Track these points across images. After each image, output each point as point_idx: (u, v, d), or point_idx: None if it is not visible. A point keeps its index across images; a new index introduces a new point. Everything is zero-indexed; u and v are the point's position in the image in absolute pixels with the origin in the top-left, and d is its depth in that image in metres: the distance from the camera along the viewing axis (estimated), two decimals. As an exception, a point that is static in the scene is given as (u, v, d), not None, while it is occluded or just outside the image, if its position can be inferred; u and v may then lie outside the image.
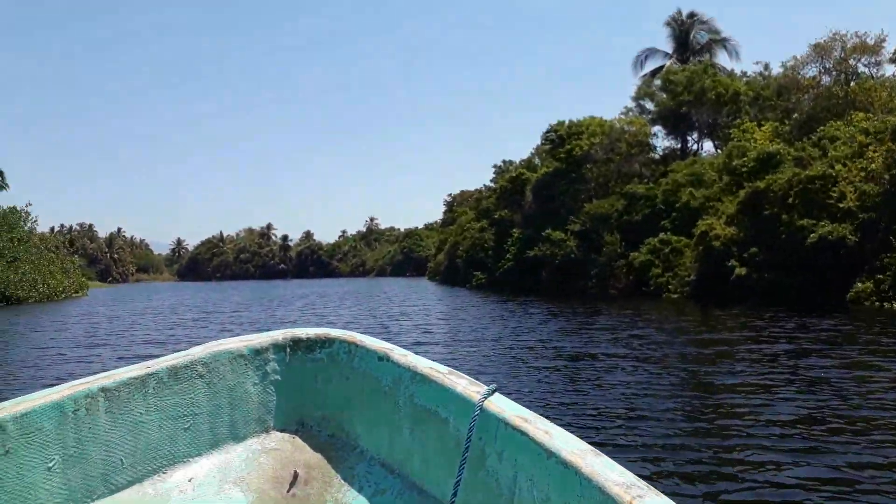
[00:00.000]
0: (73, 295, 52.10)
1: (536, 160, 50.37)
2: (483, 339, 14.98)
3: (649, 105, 40.08)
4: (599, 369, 10.15)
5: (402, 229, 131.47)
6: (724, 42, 43.64)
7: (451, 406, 1.74)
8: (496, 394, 1.67)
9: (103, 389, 1.72)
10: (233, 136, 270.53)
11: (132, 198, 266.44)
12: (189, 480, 1.84)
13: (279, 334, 2.12)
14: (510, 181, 44.42)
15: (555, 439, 1.46)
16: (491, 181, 58.62)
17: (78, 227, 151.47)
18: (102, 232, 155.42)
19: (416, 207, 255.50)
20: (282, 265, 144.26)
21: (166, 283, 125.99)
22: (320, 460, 1.99)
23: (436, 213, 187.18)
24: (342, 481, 1.93)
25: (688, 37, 44.36)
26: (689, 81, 34.51)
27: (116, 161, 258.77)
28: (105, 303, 40.36)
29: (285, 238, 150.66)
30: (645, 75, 45.44)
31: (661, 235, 29.48)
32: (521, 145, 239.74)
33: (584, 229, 33.82)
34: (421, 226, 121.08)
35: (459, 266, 51.20)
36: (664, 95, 37.38)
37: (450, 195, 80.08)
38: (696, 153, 38.22)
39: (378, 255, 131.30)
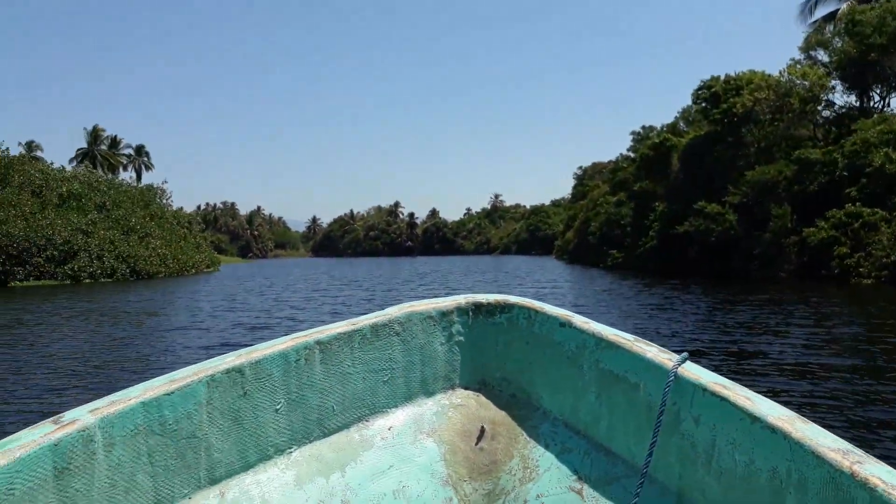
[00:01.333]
0: (205, 270, 52.96)
1: (682, 124, 44.99)
2: (635, 330, 11.40)
3: (822, 56, 33.95)
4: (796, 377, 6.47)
5: (528, 206, 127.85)
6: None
7: (641, 372, 1.74)
8: (688, 361, 1.67)
9: (318, 342, 1.86)
10: (362, 117, 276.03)
11: (272, 177, 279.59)
12: (389, 429, 1.97)
13: (462, 299, 2.18)
14: (652, 148, 39.54)
15: (758, 405, 1.46)
16: (628, 150, 53.55)
17: (221, 206, 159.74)
18: (244, 210, 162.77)
19: (543, 183, 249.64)
20: (409, 242, 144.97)
21: (300, 259, 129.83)
22: (505, 417, 2.06)
23: (564, 189, 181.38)
24: (528, 438, 1.99)
25: (871, -27, 37.19)
26: (881, 21, 28.27)
27: (259, 143, 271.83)
28: (232, 278, 40.06)
29: (412, 216, 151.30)
30: (815, 22, 38.79)
31: (849, 207, 24.09)
32: (662, 110, 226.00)
33: (746, 201, 28.75)
34: (548, 202, 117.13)
35: (592, 244, 46.95)
36: (843, 41, 31.20)
37: (580, 168, 75.22)
38: (880, 111, 31.77)
39: (503, 232, 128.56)
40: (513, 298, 2.18)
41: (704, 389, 1.56)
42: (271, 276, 43.49)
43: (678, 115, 45.97)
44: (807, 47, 34.62)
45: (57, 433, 1.35)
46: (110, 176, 76.91)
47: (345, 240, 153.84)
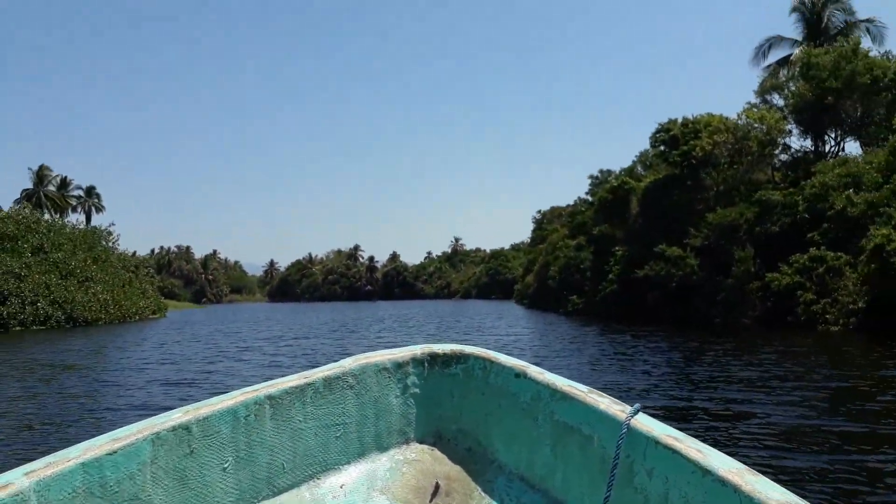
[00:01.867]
0: (151, 316, 50.49)
1: (639, 168, 44.87)
2: (596, 382, 10.16)
3: (777, 100, 34.16)
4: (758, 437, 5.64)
5: (488, 250, 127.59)
6: (866, 24, 36.94)
7: (595, 423, 1.74)
8: (640, 413, 1.67)
9: (269, 397, 1.81)
10: (320, 159, 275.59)
11: (229, 221, 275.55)
12: (341, 487, 1.92)
13: (418, 349, 2.17)
14: (611, 192, 39.09)
15: (709, 458, 1.45)
16: (587, 193, 53.32)
17: (175, 249, 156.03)
18: (199, 254, 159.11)
19: (503, 227, 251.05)
20: (368, 286, 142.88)
21: (256, 304, 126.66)
22: (460, 472, 2.02)
23: (524, 233, 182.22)
24: (482, 494, 1.94)
25: (820, 20, 37.93)
26: (836, 65, 28.42)
27: (215, 185, 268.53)
28: (173, 326, 37.88)
29: (371, 259, 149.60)
30: (769, 66, 39.34)
31: (812, 251, 23.56)
32: (620, 153, 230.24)
33: (707, 244, 28.16)
34: (508, 246, 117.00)
35: (551, 288, 46.06)
36: (798, 85, 31.35)
37: (539, 211, 74.88)
38: (835, 155, 31.85)
39: (463, 276, 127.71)
40: (468, 349, 2.17)
41: (657, 442, 1.56)
42: (215, 323, 41.40)
43: (636, 159, 45.92)
44: (762, 91, 34.82)
45: None
46: (57, 217, 74.10)
47: (303, 284, 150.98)
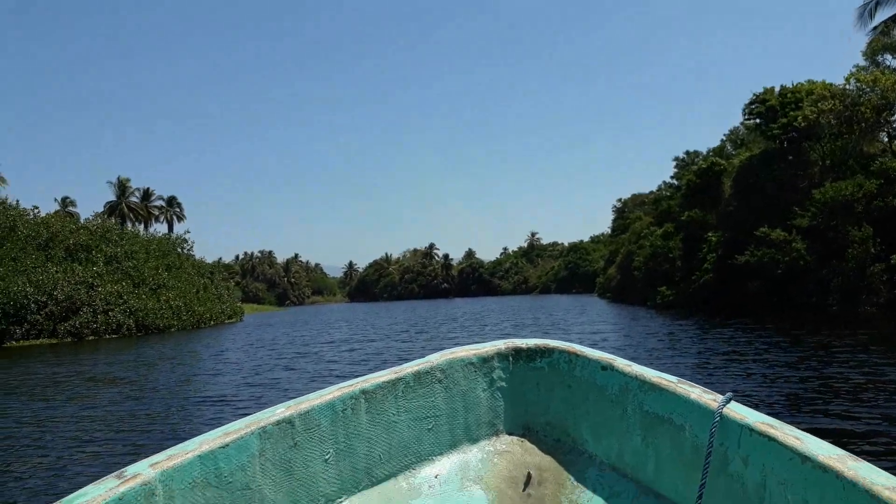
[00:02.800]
0: (227, 321, 50.43)
1: (729, 147, 41.23)
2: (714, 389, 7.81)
3: (891, 61, 30.14)
4: None
5: (566, 244, 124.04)
6: None
7: (686, 413, 1.73)
8: (732, 402, 1.66)
9: (364, 391, 1.87)
10: (396, 159, 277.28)
11: (310, 225, 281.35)
12: (435, 477, 1.97)
13: (502, 344, 2.19)
14: (699, 174, 35.81)
15: (808, 444, 1.44)
16: (672, 178, 49.72)
17: (259, 254, 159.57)
18: (281, 258, 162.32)
19: (580, 219, 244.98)
20: (444, 284, 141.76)
21: (336, 305, 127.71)
22: (551, 462, 2.05)
23: (603, 224, 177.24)
24: (575, 483, 1.96)
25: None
26: (965, 13, 24.46)
27: (296, 190, 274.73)
28: (246, 330, 37.22)
29: (447, 257, 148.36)
30: (877, 27, 35.05)
31: (951, 226, 20.04)
32: (705, 134, 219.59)
33: (816, 224, 24.80)
34: (587, 238, 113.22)
35: (637, 280, 42.98)
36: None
37: (619, 200, 71.17)
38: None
39: (541, 271, 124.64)
40: (552, 342, 2.19)
41: (751, 430, 1.55)
42: (292, 325, 40.57)
43: (724, 138, 42.30)
44: (871, 52, 30.81)
45: (121, 488, 1.38)
46: (140, 227, 76.19)
47: (380, 284, 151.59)
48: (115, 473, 1.43)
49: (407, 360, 2.12)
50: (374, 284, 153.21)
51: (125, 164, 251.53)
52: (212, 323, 45.47)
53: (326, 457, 1.78)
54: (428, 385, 2.00)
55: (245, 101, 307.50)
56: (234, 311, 54.19)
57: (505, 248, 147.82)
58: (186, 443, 1.58)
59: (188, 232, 76.34)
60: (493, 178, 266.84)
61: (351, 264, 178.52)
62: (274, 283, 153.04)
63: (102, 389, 13.33)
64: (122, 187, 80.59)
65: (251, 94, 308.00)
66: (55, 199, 74.62)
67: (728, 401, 1.64)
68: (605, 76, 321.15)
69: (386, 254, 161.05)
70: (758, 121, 30.12)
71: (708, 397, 1.70)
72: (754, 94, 30.04)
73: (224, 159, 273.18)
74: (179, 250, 51.01)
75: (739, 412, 1.61)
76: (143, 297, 37.78)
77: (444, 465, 1.99)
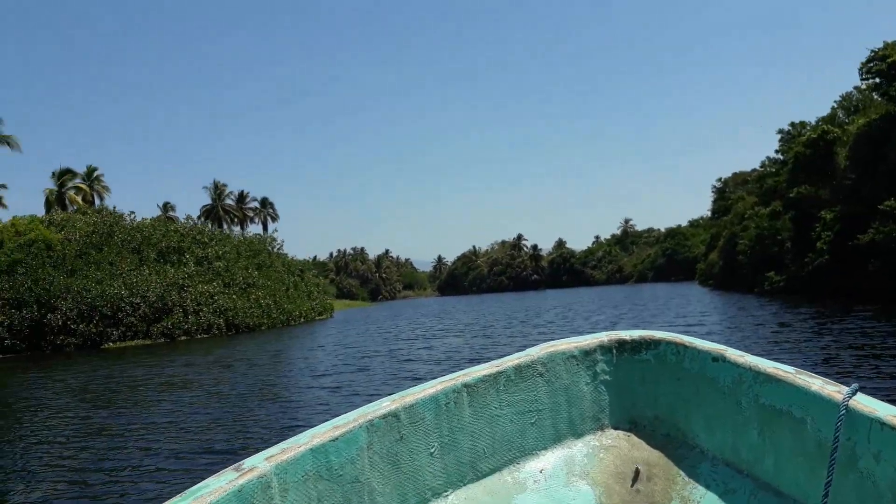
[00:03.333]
0: (318, 318, 50.79)
1: (841, 114, 37.36)
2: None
3: None
4: None
5: (663, 229, 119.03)
6: None
7: (807, 406, 1.65)
8: (859, 393, 1.57)
9: (465, 385, 1.86)
10: (482, 150, 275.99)
11: (399, 221, 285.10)
12: (540, 471, 1.94)
13: (604, 336, 2.14)
14: (809, 145, 32.50)
15: None
16: (776, 152, 45.88)
17: (351, 251, 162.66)
18: (373, 254, 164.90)
19: (677, 203, 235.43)
20: (535, 276, 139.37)
21: (425, 299, 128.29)
22: (660, 458, 2.00)
23: (701, 207, 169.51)
24: (687, 479, 1.91)
25: None
26: None
27: (385, 187, 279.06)
28: (334, 327, 37.03)
29: (535, 248, 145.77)
30: None
31: None
32: (811, 104, 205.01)
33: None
34: (684, 223, 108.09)
35: (741, 265, 39.84)
36: None
37: (720, 179, 66.75)
38: None
39: (636, 259, 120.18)
40: (658, 334, 2.13)
41: (883, 423, 1.47)
42: (377, 321, 40.14)
43: (836, 104, 38.37)
44: None
45: (239, 480, 1.41)
46: (237, 229, 78.72)
47: (469, 277, 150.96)
48: (234, 466, 1.46)
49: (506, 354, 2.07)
50: (463, 278, 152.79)
51: (223, 169, 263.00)
52: (301, 320, 45.77)
53: (431, 450, 1.78)
54: (529, 378, 1.98)
55: (338, 100, 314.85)
56: (325, 307, 54.60)
57: (597, 237, 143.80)
58: (298, 436, 1.60)
59: (276, 231, 78.06)
60: (582, 162, 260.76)
61: (440, 258, 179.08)
62: (366, 278, 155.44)
63: (202, 387, 13.78)
64: (218, 191, 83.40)
65: (343, 93, 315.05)
66: (157, 205, 78.26)
67: (854, 392, 1.54)
68: (701, 46, 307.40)
69: (473, 247, 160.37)
70: (877, 80, 26.77)
71: (831, 388, 1.60)
72: (872, 51, 26.71)
73: (318, 161, 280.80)
74: (269, 249, 51.81)
75: (868, 404, 1.51)
76: (233, 296, 38.25)
77: (548, 460, 1.97)
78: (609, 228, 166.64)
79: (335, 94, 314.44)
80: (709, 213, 74.70)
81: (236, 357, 20.72)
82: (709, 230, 66.92)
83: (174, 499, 1.34)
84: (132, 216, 43.55)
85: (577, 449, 2.01)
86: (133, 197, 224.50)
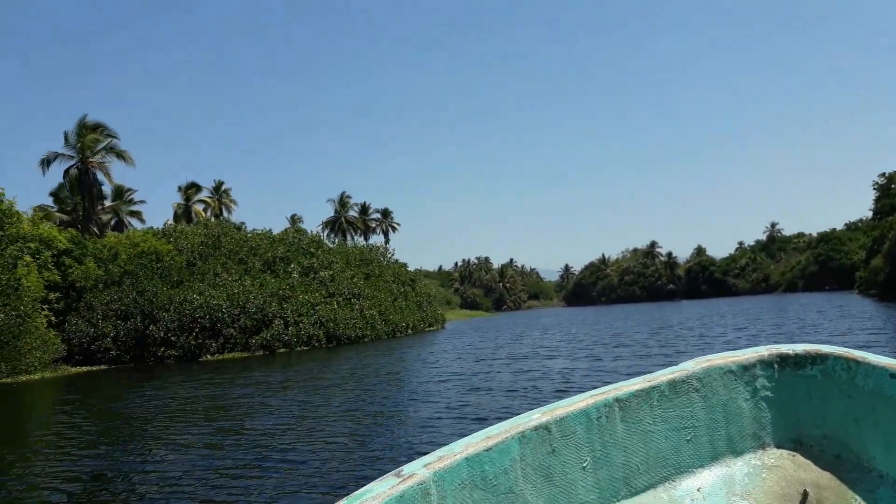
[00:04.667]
0: (427, 329, 48.78)
1: None
2: None
3: None
4: None
5: (814, 234, 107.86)
6: None
7: None
8: None
9: (617, 399, 1.82)
10: (608, 154, 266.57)
11: (523, 229, 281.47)
12: (698, 490, 1.88)
13: (764, 350, 2.07)
14: None
15: None
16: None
17: (476, 261, 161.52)
18: (497, 264, 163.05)
19: (830, 204, 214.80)
20: (670, 285, 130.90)
21: (550, 310, 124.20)
22: (831, 480, 1.90)
23: (861, 208, 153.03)
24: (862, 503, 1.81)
25: None
26: None
27: (511, 198, 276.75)
28: (438, 340, 34.61)
29: (670, 255, 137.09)
30: None
31: None
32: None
33: None
34: (840, 226, 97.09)
35: (917, 272, 33.32)
36: None
37: (883, 175, 58.13)
38: None
39: (784, 267, 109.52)
40: (825, 348, 2.01)
41: None
42: (491, 335, 37.28)
43: None
44: None
45: (401, 486, 1.44)
46: (360, 239, 79.08)
47: (598, 286, 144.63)
48: (394, 472, 1.49)
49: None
50: (592, 287, 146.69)
51: (351, 183, 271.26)
52: (409, 332, 43.82)
53: (584, 464, 1.76)
54: (684, 394, 1.91)
55: (461, 112, 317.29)
56: (436, 318, 52.54)
57: (740, 243, 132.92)
58: (452, 445, 1.61)
59: (388, 241, 77.47)
60: (723, 164, 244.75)
61: (567, 267, 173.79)
62: (490, 288, 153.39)
63: (324, 397, 13.92)
64: (342, 202, 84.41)
65: (464, 105, 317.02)
66: (286, 217, 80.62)
67: None
68: (853, 20, 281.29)
69: (603, 255, 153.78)
70: None
71: None
72: None
73: (440, 176, 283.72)
74: (381, 259, 50.50)
75: None
76: (336, 307, 36.81)
77: (706, 479, 1.90)
78: (754, 234, 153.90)
79: (460, 99, 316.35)
80: (870, 214, 65.66)
81: (330, 378, 18.64)
82: (870, 233, 58.64)
83: (339, 502, 1.35)
84: (243, 226, 43.64)
85: (738, 468, 1.94)
86: (259, 211, 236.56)
